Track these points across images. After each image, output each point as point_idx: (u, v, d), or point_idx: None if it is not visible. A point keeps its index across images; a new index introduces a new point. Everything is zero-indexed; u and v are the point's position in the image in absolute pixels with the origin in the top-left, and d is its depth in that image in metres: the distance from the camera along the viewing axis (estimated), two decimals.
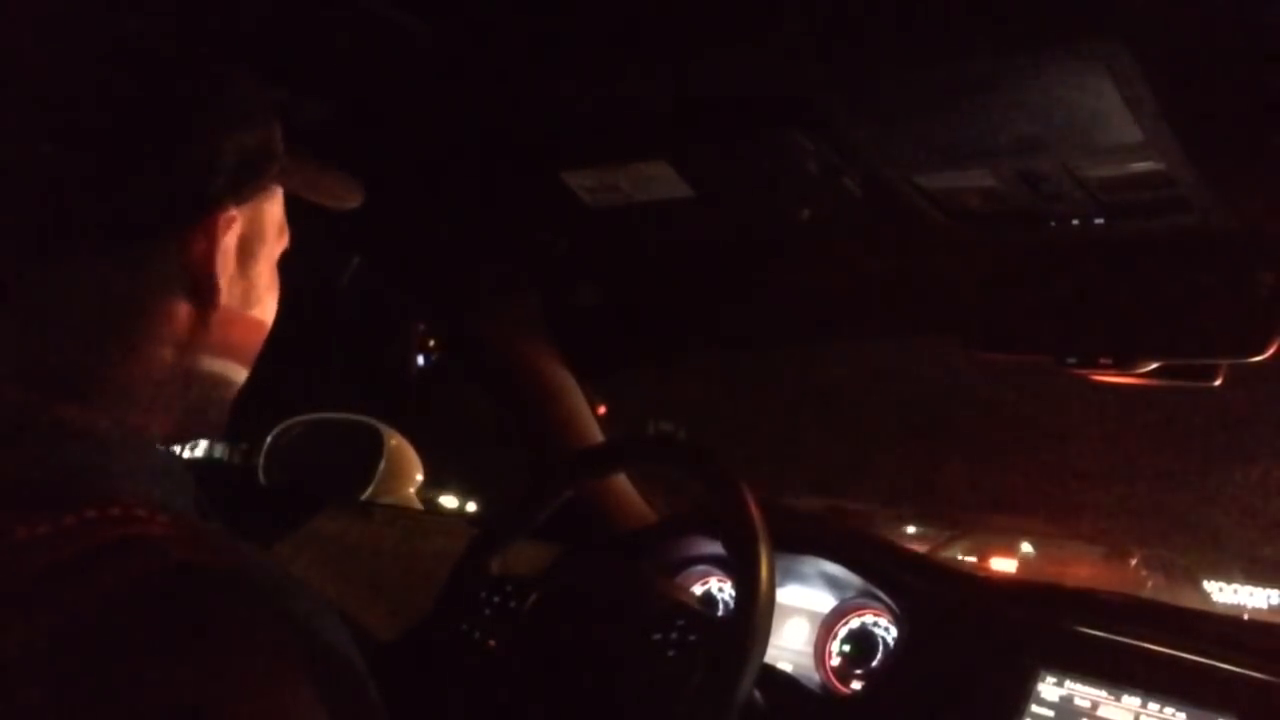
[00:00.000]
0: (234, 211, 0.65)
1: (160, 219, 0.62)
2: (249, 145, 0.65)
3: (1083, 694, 1.19)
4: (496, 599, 1.28)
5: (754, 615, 1.04)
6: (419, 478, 1.99)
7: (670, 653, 1.13)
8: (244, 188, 0.65)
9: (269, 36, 1.04)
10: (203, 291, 0.64)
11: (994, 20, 0.89)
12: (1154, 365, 1.23)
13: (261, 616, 0.53)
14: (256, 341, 0.71)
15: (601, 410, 1.76)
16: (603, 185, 1.29)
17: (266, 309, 0.71)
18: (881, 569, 1.44)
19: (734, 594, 1.37)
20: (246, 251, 0.68)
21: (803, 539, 1.50)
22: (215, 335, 0.66)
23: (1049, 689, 1.20)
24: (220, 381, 0.69)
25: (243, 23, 0.99)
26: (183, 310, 0.64)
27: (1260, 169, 1.05)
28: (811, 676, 1.46)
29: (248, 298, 0.69)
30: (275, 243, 0.71)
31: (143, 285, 0.62)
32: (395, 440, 1.95)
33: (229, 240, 0.65)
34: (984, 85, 0.97)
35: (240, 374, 0.71)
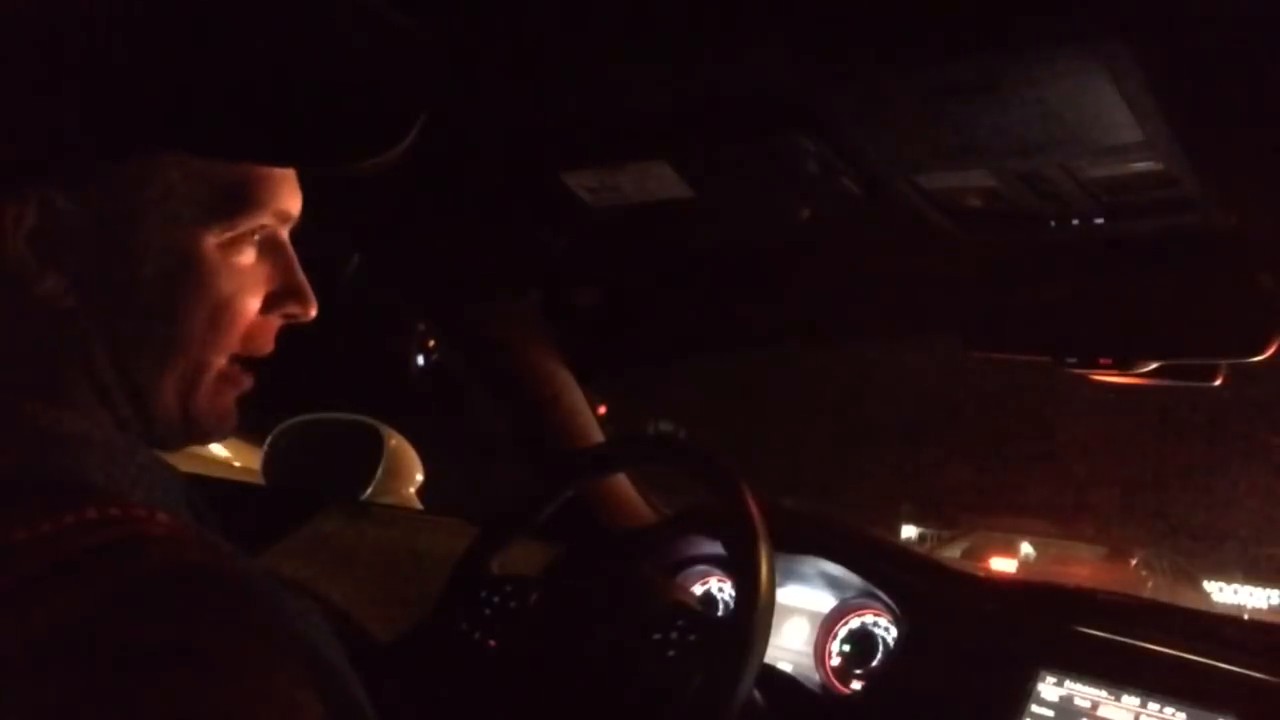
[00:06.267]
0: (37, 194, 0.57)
1: None
2: None
3: (1083, 694, 1.19)
4: (496, 599, 1.28)
5: (754, 615, 1.04)
6: (419, 478, 1.99)
7: (670, 653, 1.13)
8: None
9: None
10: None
11: (994, 21, 0.89)
12: (1154, 365, 1.23)
13: (259, 618, 0.53)
14: (152, 340, 0.61)
15: (601, 410, 1.76)
16: (603, 185, 1.29)
17: (161, 300, 0.61)
18: (881, 569, 1.44)
19: (734, 594, 1.37)
20: (96, 237, 0.59)
21: (803, 539, 1.50)
22: (117, 333, 0.60)
23: (1049, 689, 1.20)
24: (142, 384, 0.62)
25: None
26: (59, 310, 0.59)
27: (1260, 169, 1.05)
28: (811, 676, 1.46)
29: (125, 288, 0.60)
30: (188, 217, 0.60)
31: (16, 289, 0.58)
32: (395, 440, 1.95)
33: (25, 228, 0.57)
34: (984, 86, 0.97)
35: (143, 376, 0.62)
